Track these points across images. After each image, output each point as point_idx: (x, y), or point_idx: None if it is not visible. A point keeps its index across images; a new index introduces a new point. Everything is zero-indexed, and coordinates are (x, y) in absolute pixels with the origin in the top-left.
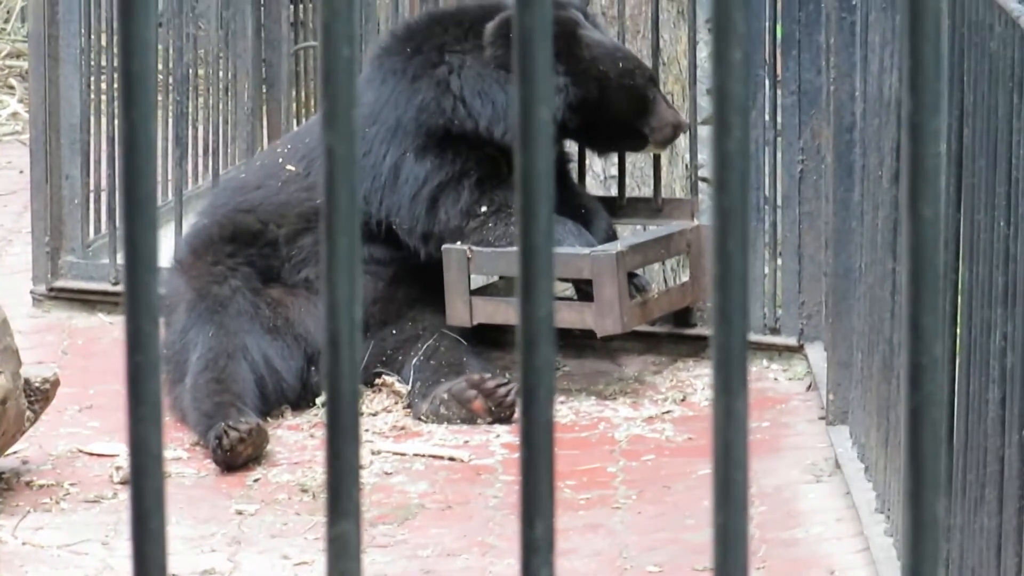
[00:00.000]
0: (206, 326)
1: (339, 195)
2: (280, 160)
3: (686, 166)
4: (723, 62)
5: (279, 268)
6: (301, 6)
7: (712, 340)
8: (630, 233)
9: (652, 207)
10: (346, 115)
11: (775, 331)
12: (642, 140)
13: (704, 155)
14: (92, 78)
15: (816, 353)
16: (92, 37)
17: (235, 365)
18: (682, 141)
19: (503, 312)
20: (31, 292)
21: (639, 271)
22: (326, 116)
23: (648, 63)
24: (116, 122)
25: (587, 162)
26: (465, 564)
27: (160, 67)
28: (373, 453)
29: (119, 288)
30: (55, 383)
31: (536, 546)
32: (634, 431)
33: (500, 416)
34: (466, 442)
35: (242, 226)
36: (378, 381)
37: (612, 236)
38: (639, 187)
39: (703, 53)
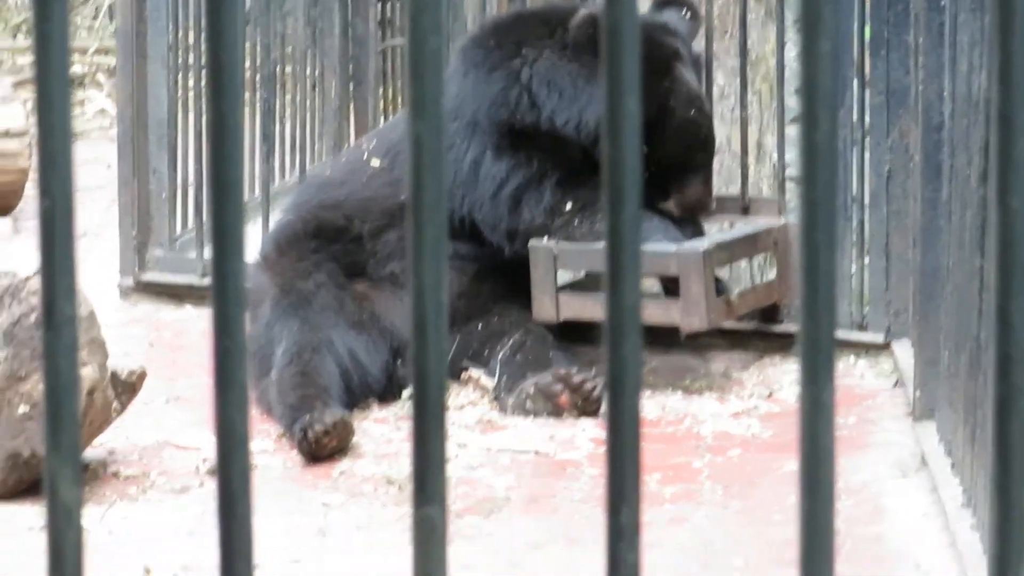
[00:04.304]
0: (291, 321)
1: (426, 182)
2: (365, 156)
3: (773, 165)
4: (811, 54)
5: (364, 263)
6: (388, 4)
7: (799, 330)
8: (717, 231)
9: (739, 205)
10: (433, 104)
11: (862, 328)
12: (664, 195)
13: (791, 154)
14: (179, 74)
15: (903, 350)
16: (179, 33)
17: (320, 359)
18: (770, 140)
19: (590, 308)
20: (118, 285)
21: (722, 274)
22: (413, 105)
23: (736, 62)
24: (203, 117)
25: None
26: (551, 557)
27: (247, 64)
28: (459, 446)
29: (206, 282)
30: (142, 375)
31: (622, 533)
32: (720, 426)
33: (586, 411)
34: (552, 436)
35: (327, 222)
36: (464, 375)
37: (699, 233)
38: (726, 185)
39: (791, 53)
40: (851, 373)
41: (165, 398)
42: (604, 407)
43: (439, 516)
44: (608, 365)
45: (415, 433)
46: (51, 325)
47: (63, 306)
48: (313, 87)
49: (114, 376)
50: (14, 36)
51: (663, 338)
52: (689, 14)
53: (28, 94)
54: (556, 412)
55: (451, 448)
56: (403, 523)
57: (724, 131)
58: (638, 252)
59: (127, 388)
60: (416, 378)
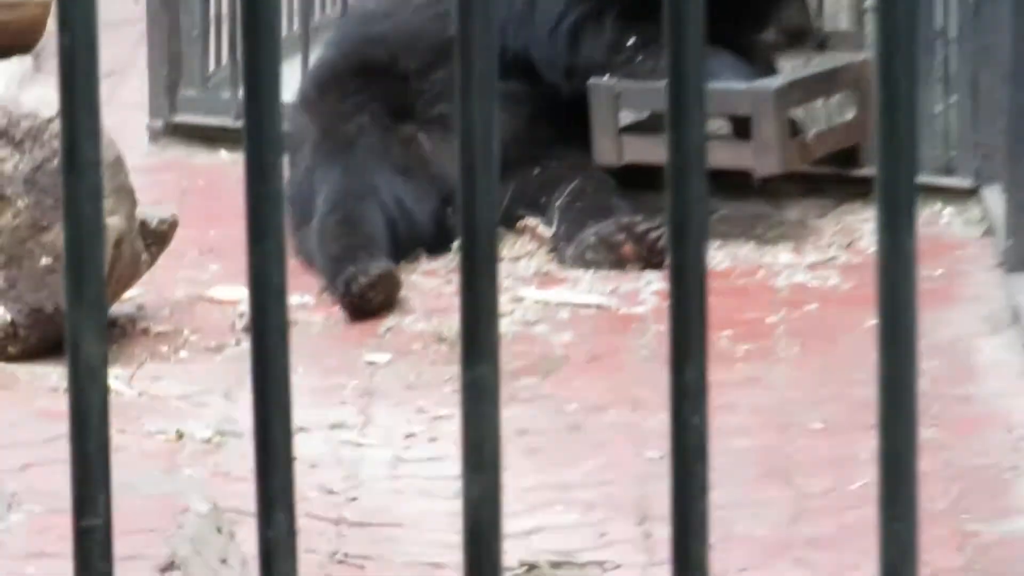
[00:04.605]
0: (333, 166)
1: (475, 14)
2: None
3: None
4: None
5: (411, 104)
6: None
7: (877, 172)
8: (791, 68)
9: (815, 39)
10: None
11: (949, 172)
12: (760, 24)
13: None
14: None
15: (993, 196)
16: None
17: (365, 206)
18: None
19: (655, 150)
20: (147, 128)
21: (797, 114)
22: None
23: None
24: None
25: None
26: (614, 419)
27: None
28: (514, 300)
29: (241, 123)
30: (173, 224)
31: (686, 393)
32: (796, 278)
33: (651, 262)
34: (614, 289)
35: (371, 59)
36: (520, 224)
37: (772, 71)
38: None
39: None
40: (936, 221)
41: (198, 249)
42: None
43: (491, 376)
44: (670, 211)
45: (463, 287)
46: (73, 169)
47: (86, 149)
48: None
49: (143, 225)
50: None
51: (734, 184)
52: None
53: None
54: (619, 263)
55: (504, 303)
56: (454, 383)
57: None
58: (702, 87)
59: (157, 238)
60: (464, 227)
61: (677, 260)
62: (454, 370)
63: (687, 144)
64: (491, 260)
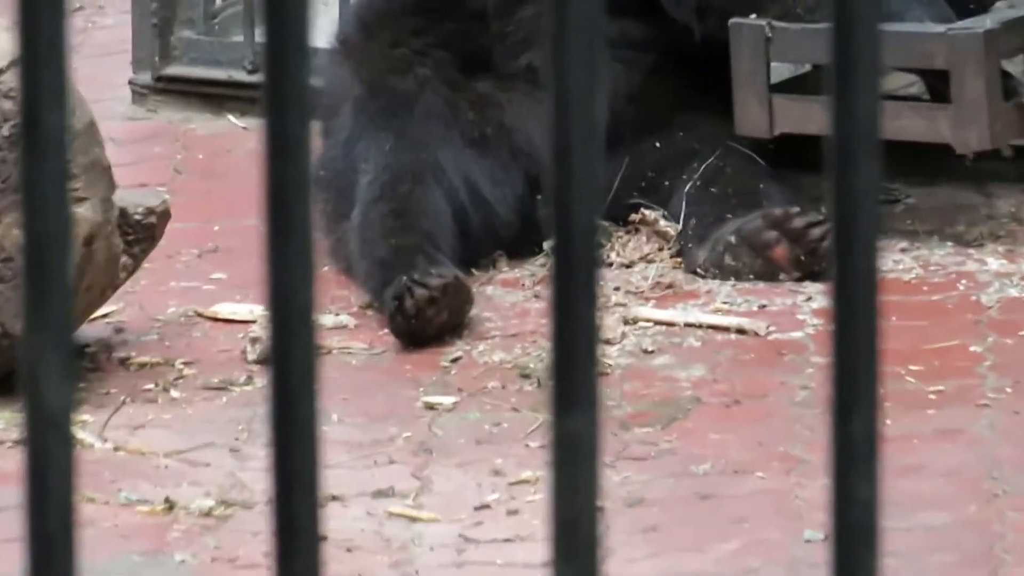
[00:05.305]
0: (382, 135)
1: None
2: None
3: None
4: None
5: (488, 51)
6: None
7: None
8: (1006, 4)
9: None
10: None
11: None
12: None
13: None
14: None
15: None
16: None
17: (424, 191)
18: None
19: (816, 117)
20: (131, 83)
21: (1014, 64)
22: None
23: None
24: None
25: None
26: (760, 486)
27: None
28: (627, 323)
29: (256, 78)
30: (164, 215)
31: (852, 449)
32: (1009, 293)
33: (812, 269)
34: (763, 307)
35: None
36: (633, 217)
37: (982, 5)
38: None
39: None
40: None
41: (197, 250)
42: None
43: (590, 427)
44: (834, 200)
45: (555, 304)
46: (32, 142)
47: (48, 113)
48: None
49: (124, 216)
50: None
51: (925, 163)
52: None
53: None
54: (768, 271)
55: (612, 325)
56: (541, 437)
57: None
58: (878, 35)
59: (143, 234)
60: (558, 222)
61: (843, 267)
62: (542, 418)
63: (855, 109)
64: (592, 267)
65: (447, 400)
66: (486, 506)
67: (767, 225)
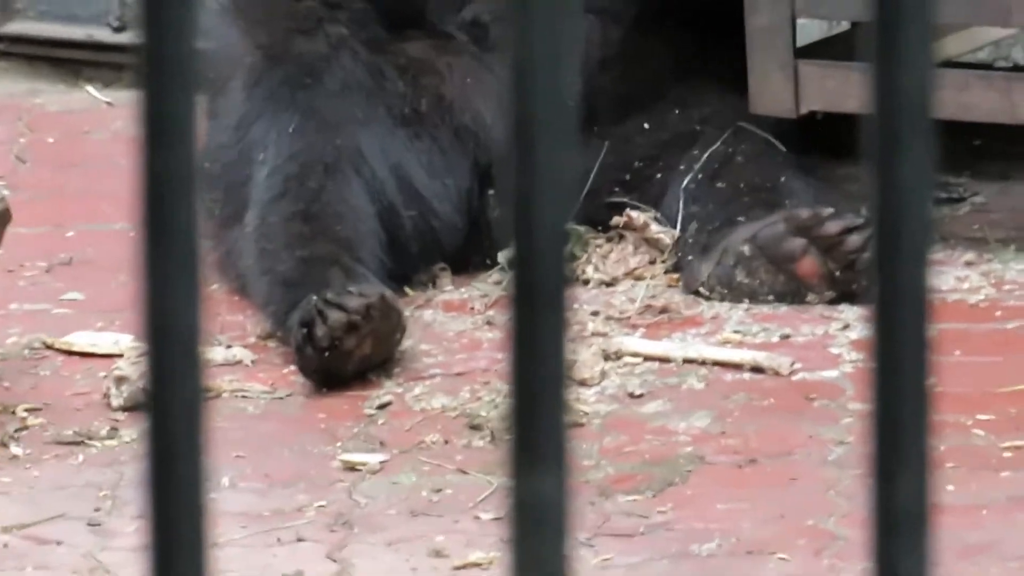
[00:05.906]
0: (284, 115)
1: None
2: None
3: None
4: None
5: (420, 4)
6: None
7: None
8: None
9: None
10: None
11: None
12: None
13: None
14: None
15: None
16: None
17: (340, 186)
18: None
19: (855, 90)
20: None
21: None
22: None
23: None
24: None
25: None
26: (781, 571)
27: None
28: (608, 358)
29: (124, 38)
30: (4, 216)
31: (896, 522)
32: None
33: (849, 288)
34: (786, 337)
35: None
36: (616, 220)
37: None
38: None
39: None
40: None
41: (46, 263)
42: None
43: (557, 494)
44: (876, 199)
45: (514, 335)
46: None
47: None
48: None
49: None
50: None
51: (1000, 152)
52: None
53: None
54: (792, 290)
55: (588, 361)
56: (494, 503)
57: None
58: None
59: None
60: (517, 229)
61: (887, 286)
62: (497, 483)
63: (902, 78)
64: (562, 285)
65: (373, 459)
66: None
67: (790, 231)
